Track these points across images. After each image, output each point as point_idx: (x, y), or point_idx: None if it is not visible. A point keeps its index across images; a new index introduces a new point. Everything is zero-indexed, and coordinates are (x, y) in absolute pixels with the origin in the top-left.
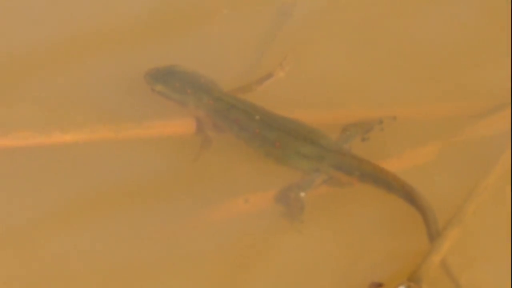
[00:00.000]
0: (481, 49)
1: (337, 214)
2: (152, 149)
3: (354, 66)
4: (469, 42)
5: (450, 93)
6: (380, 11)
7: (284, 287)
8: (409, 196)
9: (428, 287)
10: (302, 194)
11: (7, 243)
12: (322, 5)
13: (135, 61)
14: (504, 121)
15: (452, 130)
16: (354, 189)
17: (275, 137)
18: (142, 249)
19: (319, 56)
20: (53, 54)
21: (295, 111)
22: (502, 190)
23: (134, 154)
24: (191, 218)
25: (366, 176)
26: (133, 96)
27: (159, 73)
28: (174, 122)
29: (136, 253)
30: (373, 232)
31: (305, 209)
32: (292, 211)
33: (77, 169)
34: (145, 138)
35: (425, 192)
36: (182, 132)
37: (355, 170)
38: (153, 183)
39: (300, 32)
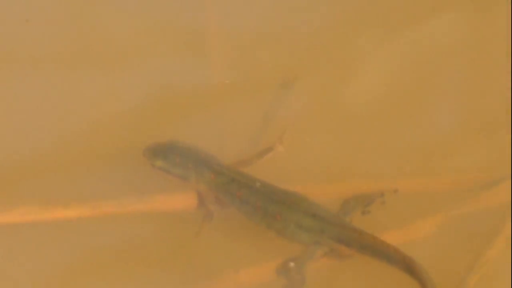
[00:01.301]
0: (482, 121)
1: (337, 287)
2: (154, 224)
3: (354, 140)
4: (470, 115)
5: (451, 166)
6: (378, 87)
7: None
8: (410, 268)
9: None
10: (303, 267)
11: None
12: (322, 80)
13: (135, 138)
14: (504, 193)
15: (454, 202)
16: (354, 261)
17: (276, 210)
18: None
19: (319, 130)
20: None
21: (295, 184)
22: (503, 263)
23: (136, 228)
24: None
25: (366, 249)
26: (133, 172)
27: (158, 148)
28: (176, 196)
29: None
30: None
31: (306, 282)
32: (293, 283)
33: (79, 244)
34: (146, 212)
35: (426, 264)
36: (183, 207)
37: (356, 242)
38: (153, 258)
39: (300, 107)
